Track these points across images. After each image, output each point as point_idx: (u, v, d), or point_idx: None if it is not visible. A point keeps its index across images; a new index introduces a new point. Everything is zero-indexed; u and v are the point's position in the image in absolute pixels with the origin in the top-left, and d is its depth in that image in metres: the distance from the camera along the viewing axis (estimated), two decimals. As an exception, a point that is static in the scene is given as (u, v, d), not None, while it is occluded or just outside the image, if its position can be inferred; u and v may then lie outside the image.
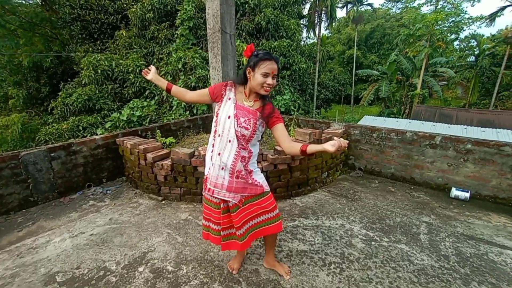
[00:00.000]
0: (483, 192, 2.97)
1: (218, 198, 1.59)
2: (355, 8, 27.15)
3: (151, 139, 3.60)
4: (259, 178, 1.64)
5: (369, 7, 27.68)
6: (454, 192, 3.05)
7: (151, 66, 1.78)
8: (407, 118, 14.10)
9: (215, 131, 1.53)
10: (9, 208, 2.88)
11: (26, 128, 11.89)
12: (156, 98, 7.80)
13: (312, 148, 1.35)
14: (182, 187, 3.04)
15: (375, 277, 1.88)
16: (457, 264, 1.99)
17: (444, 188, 3.23)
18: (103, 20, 10.59)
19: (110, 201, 3.17)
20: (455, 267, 1.96)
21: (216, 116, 1.53)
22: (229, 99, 1.50)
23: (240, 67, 7.15)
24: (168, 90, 1.68)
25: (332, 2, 15.49)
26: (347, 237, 2.34)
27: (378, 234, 2.38)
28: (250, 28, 9.44)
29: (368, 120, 11.55)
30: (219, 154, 1.51)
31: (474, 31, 27.21)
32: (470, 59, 19.61)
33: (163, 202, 3.10)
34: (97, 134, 7.08)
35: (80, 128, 7.20)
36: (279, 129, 1.51)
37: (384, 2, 37.86)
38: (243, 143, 1.50)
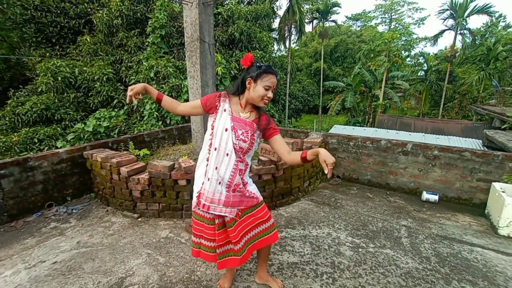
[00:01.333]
0: (449, 194, 3.24)
1: (213, 214, 1.49)
2: (321, 23, 29.02)
3: (125, 152, 3.33)
4: (253, 189, 1.59)
5: (333, 23, 29.80)
6: (425, 195, 3.27)
7: (134, 86, 1.52)
8: (371, 127, 15.13)
9: (211, 144, 1.44)
10: None
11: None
12: (126, 108, 7.33)
13: (310, 154, 1.35)
14: (161, 202, 2.83)
15: (367, 284, 1.89)
16: (438, 264, 2.10)
17: (416, 192, 3.46)
18: (63, 24, 9.81)
19: (77, 221, 2.83)
20: (436, 267, 2.06)
21: (212, 129, 1.44)
22: (224, 110, 1.43)
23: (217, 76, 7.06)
24: (159, 101, 1.54)
25: (301, 17, 16.34)
26: (335, 245, 2.36)
27: (364, 241, 2.44)
28: (224, 39, 9.48)
29: (338, 129, 12.14)
30: (216, 168, 1.42)
31: (422, 49, 30.68)
32: (421, 74, 21.94)
33: (140, 219, 2.84)
34: (56, 147, 6.38)
35: (35, 140, 6.43)
36: (278, 141, 1.49)
37: (346, 20, 41.05)
38: (241, 155, 1.44)
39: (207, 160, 1.46)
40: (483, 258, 2.17)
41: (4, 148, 6.10)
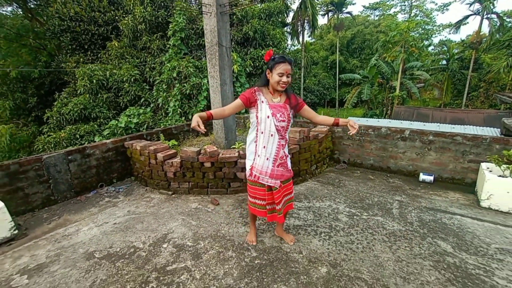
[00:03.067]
0: (444, 175, 3.57)
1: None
2: (335, 16, 28.58)
3: (158, 141, 3.99)
4: (290, 163, 2.08)
5: (349, 15, 29.21)
6: (422, 176, 3.63)
7: (194, 122, 1.75)
8: (388, 119, 15.03)
9: (257, 129, 1.92)
10: (34, 206, 3.18)
11: (14, 140, 11.80)
12: (152, 105, 8.13)
13: (342, 121, 1.94)
14: (190, 181, 3.45)
15: (356, 240, 2.37)
16: (418, 227, 2.52)
17: (414, 174, 3.81)
18: (93, 31, 10.80)
19: (124, 197, 3.53)
20: (416, 229, 2.49)
21: (257, 118, 1.90)
22: (262, 102, 1.88)
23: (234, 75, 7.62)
24: (210, 117, 1.82)
25: (313, 12, 16.42)
26: (334, 214, 2.84)
27: (359, 211, 2.89)
28: (239, 38, 9.98)
29: (352, 121, 12.29)
30: (264, 147, 1.92)
31: (445, 37, 29.21)
32: (443, 63, 21.11)
33: (173, 195, 3.49)
34: (94, 141, 7.30)
35: (77, 136, 7.39)
36: (307, 110, 2.00)
37: (363, 10, 39.82)
38: (282, 133, 1.92)
39: (255, 142, 1.95)
40: (459, 223, 2.55)
41: (53, 143, 7.10)
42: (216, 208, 3.08)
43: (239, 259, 2.17)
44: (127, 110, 7.66)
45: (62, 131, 7.37)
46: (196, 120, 1.73)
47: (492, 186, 2.68)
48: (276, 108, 1.88)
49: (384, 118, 17.31)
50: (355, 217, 2.76)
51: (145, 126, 7.27)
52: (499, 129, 8.32)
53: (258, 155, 1.96)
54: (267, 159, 1.94)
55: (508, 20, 17.68)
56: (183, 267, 2.10)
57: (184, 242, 2.45)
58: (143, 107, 8.16)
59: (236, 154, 3.27)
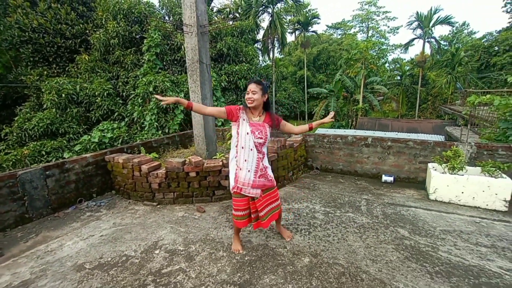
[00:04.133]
0: (401, 175, 4.14)
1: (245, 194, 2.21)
2: (302, 34, 30.63)
3: (141, 154, 4.05)
4: (270, 172, 2.30)
5: (314, 33, 31.49)
6: (384, 177, 4.16)
7: (167, 98, 2.06)
8: (353, 129, 16.30)
9: (237, 145, 2.16)
10: (5, 225, 3.04)
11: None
12: (126, 120, 7.99)
13: (315, 124, 2.27)
14: (175, 191, 3.56)
15: (332, 233, 2.70)
16: (382, 219, 2.94)
17: (377, 176, 4.34)
18: (59, 44, 10.41)
19: (107, 210, 3.50)
20: (381, 221, 2.91)
21: (237, 134, 2.16)
22: (244, 120, 2.14)
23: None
24: (190, 107, 2.09)
25: (282, 30, 17.57)
26: (311, 213, 3.17)
27: (333, 209, 3.26)
28: (213, 54, 10.36)
29: (321, 132, 13.16)
30: (245, 160, 2.14)
31: (398, 55, 32.86)
32: (397, 78, 23.65)
33: (158, 206, 3.56)
34: (64, 158, 6.91)
35: (43, 153, 6.96)
36: (286, 124, 2.29)
37: (327, 29, 43.18)
38: (259, 149, 2.17)
39: (236, 157, 2.18)
40: (414, 213, 3.04)
41: (14, 161, 6.60)
42: (203, 215, 3.23)
43: (230, 258, 2.36)
44: (100, 124, 7.44)
45: (24, 147, 6.89)
46: (170, 101, 2.02)
47: (436, 182, 3.24)
48: (255, 126, 2.15)
49: (350, 128, 18.71)
50: (329, 214, 3.12)
51: (119, 141, 7.12)
52: (443, 136, 9.59)
53: (240, 168, 2.15)
54: (249, 171, 2.15)
55: (444, 43, 20.57)
56: (178, 269, 2.23)
57: (176, 247, 2.57)
58: (116, 122, 7.99)
59: (220, 163, 3.49)
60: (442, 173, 3.28)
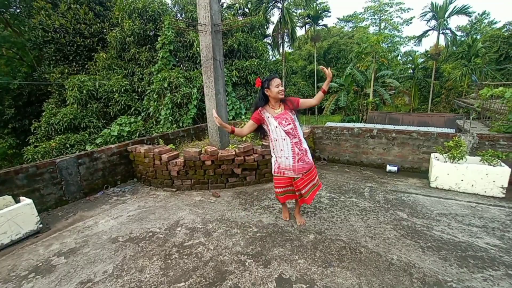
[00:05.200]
0: (405, 165, 4.32)
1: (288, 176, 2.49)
2: (312, 28, 30.33)
3: (160, 145, 4.41)
4: (309, 155, 2.54)
5: (324, 27, 31.10)
6: (388, 167, 4.35)
7: (214, 113, 2.31)
8: (363, 123, 16.25)
9: (271, 139, 2.44)
10: (48, 205, 3.48)
11: (-8, 153, 11.42)
12: (142, 114, 8.42)
13: (325, 87, 2.39)
14: (192, 178, 3.90)
15: (336, 215, 2.96)
16: (384, 204, 3.17)
17: (382, 166, 4.53)
18: (79, 43, 10.96)
19: (131, 195, 3.89)
20: (382, 205, 3.14)
21: (269, 131, 2.43)
22: (268, 117, 2.40)
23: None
24: (233, 132, 2.38)
25: (292, 25, 17.57)
26: (317, 198, 3.43)
27: (337, 195, 3.51)
28: (224, 50, 10.60)
29: (329, 125, 13.25)
30: (281, 150, 2.41)
31: (411, 48, 31.99)
32: (410, 72, 23.16)
33: (177, 192, 3.91)
34: (86, 150, 7.43)
35: (68, 145, 7.50)
36: (303, 101, 2.45)
37: (338, 21, 42.43)
38: (293, 134, 2.39)
39: (273, 149, 2.47)
40: (414, 199, 3.24)
41: (43, 153, 7.16)
42: (218, 200, 3.55)
43: (243, 234, 2.67)
44: (119, 119, 7.91)
45: (51, 141, 7.44)
46: (220, 123, 2.27)
47: (437, 170, 3.41)
48: (280, 117, 2.39)
49: (360, 123, 18.61)
50: (334, 199, 3.37)
51: (137, 134, 7.56)
52: (454, 129, 9.52)
53: (279, 157, 2.44)
54: (287, 158, 2.42)
55: (461, 34, 19.94)
56: (198, 242, 2.57)
57: (195, 225, 2.90)
58: (133, 116, 8.44)
59: (233, 153, 3.79)
60: (444, 162, 3.45)
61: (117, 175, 4.35)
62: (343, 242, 2.45)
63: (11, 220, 2.60)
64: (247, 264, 2.20)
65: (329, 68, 2.37)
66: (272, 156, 2.60)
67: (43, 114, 8.42)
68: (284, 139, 2.38)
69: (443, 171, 3.37)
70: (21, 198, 2.90)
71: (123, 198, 3.80)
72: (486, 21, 32.03)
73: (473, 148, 3.68)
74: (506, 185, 3.05)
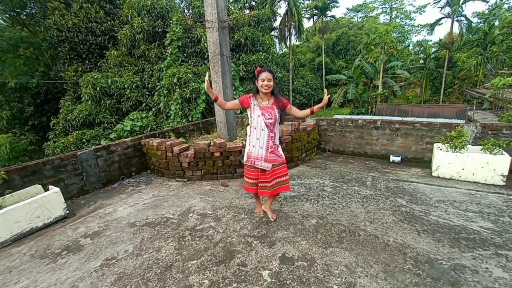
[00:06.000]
0: (408, 155, 4.39)
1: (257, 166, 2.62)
2: (320, 19, 29.81)
3: (172, 138, 4.65)
4: (280, 150, 2.68)
5: (333, 18, 30.51)
6: (392, 158, 4.44)
7: (207, 76, 2.42)
8: (372, 115, 16.09)
9: (250, 126, 2.58)
10: (72, 194, 3.79)
11: (14, 149, 12.07)
12: (153, 109, 8.72)
13: (316, 108, 2.49)
14: (202, 169, 4.13)
15: (337, 202, 3.12)
16: (385, 191, 3.30)
17: (385, 156, 4.62)
18: (91, 41, 11.31)
19: (146, 185, 4.16)
20: (383, 193, 3.27)
21: (251, 117, 2.57)
22: (255, 105, 2.54)
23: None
24: (216, 100, 2.49)
25: (299, 17, 17.41)
26: (321, 187, 3.59)
27: (340, 184, 3.65)
28: (231, 45, 10.71)
29: (336, 117, 13.23)
30: (257, 139, 2.55)
31: (424, 37, 30.94)
32: (421, 62, 22.55)
33: (188, 182, 4.15)
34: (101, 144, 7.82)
35: (84, 140, 7.90)
36: (292, 108, 2.59)
37: (347, 12, 41.45)
38: (271, 128, 2.54)
39: (249, 135, 2.61)
40: (414, 187, 3.35)
41: (61, 148, 7.58)
42: (227, 189, 3.77)
43: (250, 219, 2.88)
44: (131, 114, 8.23)
45: (69, 136, 7.86)
46: (207, 86, 2.39)
47: (439, 160, 3.50)
48: (265, 109, 2.51)
49: (369, 115, 18.42)
50: (337, 188, 3.52)
51: (148, 129, 7.87)
52: (464, 120, 9.37)
53: (253, 146, 2.55)
54: (261, 147, 2.55)
55: (477, 21, 19.19)
56: (209, 226, 2.79)
57: (206, 212, 3.13)
58: (145, 112, 8.75)
59: (241, 145, 3.98)
60: (446, 152, 3.53)
61: (132, 167, 4.64)
62: (343, 226, 2.61)
63: (43, 206, 2.90)
64: (253, 245, 2.41)
65: (328, 95, 2.47)
66: (246, 145, 2.67)
67: (61, 111, 8.86)
68: (262, 130, 2.49)
69: (445, 160, 3.45)
70: (50, 186, 3.20)
71: (139, 188, 4.08)
72: (506, 6, 30.52)
73: (476, 137, 3.72)
74: (506, 173, 3.12)
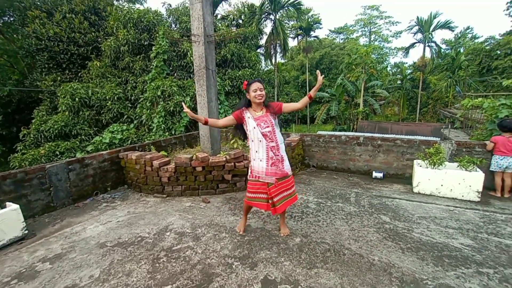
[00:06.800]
0: (390, 171, 4.47)
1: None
2: (304, 39, 31.17)
3: (152, 151, 4.45)
4: (287, 164, 2.48)
5: (316, 38, 31.99)
6: (374, 174, 4.50)
7: (185, 107, 2.44)
8: (354, 132, 16.59)
9: (249, 139, 2.48)
10: (34, 212, 3.45)
11: (-23, 160, 11.15)
12: (135, 122, 8.45)
13: (313, 92, 2.31)
14: (183, 184, 3.95)
15: (322, 219, 3.05)
16: (368, 208, 3.28)
17: (368, 172, 4.67)
18: (73, 51, 11.00)
19: (121, 202, 3.90)
20: (367, 209, 3.25)
21: (247, 131, 2.48)
22: (249, 117, 2.46)
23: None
24: (206, 123, 2.47)
25: (284, 36, 18.09)
26: (305, 203, 3.52)
27: (324, 200, 3.61)
28: (217, 60, 10.82)
29: (319, 133, 13.51)
30: (256, 151, 2.45)
31: (400, 59, 33.14)
32: (398, 83, 23.93)
33: (167, 198, 3.94)
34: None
35: (57, 153, 7.43)
36: (286, 105, 2.42)
37: (329, 33, 43.68)
38: (270, 137, 2.42)
39: (251, 150, 2.49)
40: (397, 203, 3.37)
41: (30, 160, 7.07)
42: (208, 205, 3.60)
43: (231, 238, 2.72)
44: (111, 126, 7.91)
45: (40, 148, 7.37)
46: (192, 115, 2.38)
47: (419, 176, 3.57)
48: (259, 119, 2.44)
49: (351, 132, 18.99)
50: (321, 204, 3.47)
51: (129, 142, 7.56)
52: (439, 138, 9.85)
53: (254, 159, 2.45)
54: (261, 160, 2.44)
55: (445, 47, 20.84)
56: (187, 246, 2.60)
57: (184, 230, 2.94)
58: (126, 124, 8.45)
59: (224, 159, 3.87)
60: (425, 168, 3.61)
61: (108, 182, 4.36)
62: (327, 244, 2.53)
63: (-3, 225, 2.59)
64: (234, 266, 2.25)
65: (322, 76, 2.26)
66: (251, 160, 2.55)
67: (33, 121, 8.35)
68: (260, 141, 2.39)
69: (425, 177, 3.53)
70: (7, 203, 2.89)
71: (113, 204, 3.80)
72: (469, 35, 33.63)
73: (452, 154, 3.86)
74: (481, 189, 3.22)
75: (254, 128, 2.41)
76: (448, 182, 3.38)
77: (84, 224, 3.19)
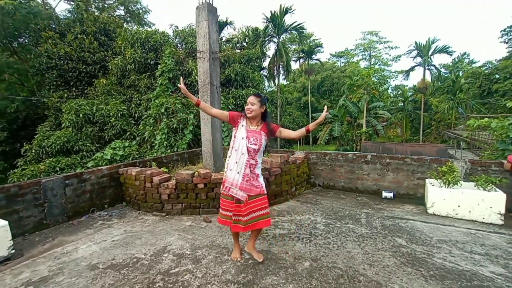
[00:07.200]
0: (401, 191, 4.26)
1: (232, 195, 2.33)
2: (306, 62, 32.11)
3: (153, 167, 4.31)
4: (261, 181, 2.41)
5: (318, 61, 32.96)
6: (384, 194, 4.28)
7: (182, 82, 2.34)
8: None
9: (232, 147, 2.36)
10: (25, 229, 3.25)
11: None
12: (137, 139, 8.39)
13: (312, 126, 2.27)
14: (184, 202, 3.75)
15: (332, 242, 2.82)
16: (381, 230, 3.05)
17: (377, 192, 4.46)
18: (81, 69, 11.30)
19: (118, 220, 3.69)
20: (380, 231, 3.01)
21: (234, 137, 2.37)
22: (242, 126, 2.36)
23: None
24: (198, 104, 2.37)
25: (287, 58, 18.61)
26: (313, 224, 3.29)
27: (333, 221, 3.38)
28: (222, 79, 11.02)
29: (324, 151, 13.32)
30: (235, 162, 2.32)
31: (401, 81, 33.83)
32: (400, 104, 24.15)
33: (167, 216, 3.73)
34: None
35: (57, 169, 7.30)
36: (283, 130, 2.37)
37: (330, 57, 45.07)
38: (252, 154, 2.32)
39: (229, 157, 2.38)
40: (412, 225, 3.14)
41: (30, 176, 6.93)
42: (209, 225, 3.39)
43: (234, 261, 2.49)
44: (113, 143, 7.85)
45: (41, 164, 7.26)
46: (184, 90, 2.29)
47: (433, 196, 3.36)
48: (251, 132, 2.33)
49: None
50: (330, 225, 3.24)
51: (130, 158, 7.45)
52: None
53: (230, 169, 2.30)
54: (238, 173, 2.28)
55: (444, 71, 21.26)
56: (185, 270, 2.38)
57: (183, 251, 2.72)
58: (128, 140, 8.39)
59: (227, 176, 3.71)
60: (439, 187, 3.42)
61: (106, 198, 4.17)
62: (340, 270, 2.29)
63: (-19, 243, 2.40)
64: (237, 294, 2.02)
65: (327, 112, 2.25)
66: (226, 169, 2.41)
67: (36, 136, 8.34)
68: (243, 154, 2.28)
69: (439, 197, 3.32)
70: (-3, 219, 2.72)
71: (109, 223, 3.60)
72: (466, 60, 34.53)
73: (466, 173, 3.68)
74: (503, 211, 3.00)
75: (242, 138, 2.30)
76: (465, 202, 3.17)
77: (77, 244, 2.97)
